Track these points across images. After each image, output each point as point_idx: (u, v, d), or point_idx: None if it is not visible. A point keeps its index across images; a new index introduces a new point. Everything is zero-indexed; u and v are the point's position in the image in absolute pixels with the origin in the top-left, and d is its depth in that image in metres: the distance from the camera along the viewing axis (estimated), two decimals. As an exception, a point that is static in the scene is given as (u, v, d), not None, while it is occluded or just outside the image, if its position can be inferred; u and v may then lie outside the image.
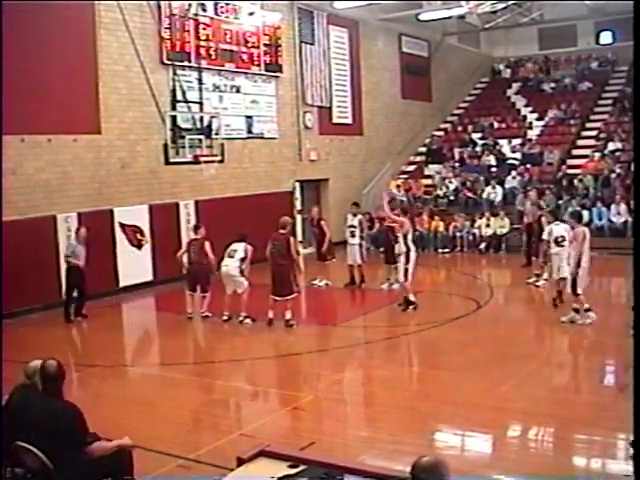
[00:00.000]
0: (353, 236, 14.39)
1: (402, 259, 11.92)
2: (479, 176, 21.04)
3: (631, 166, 18.84)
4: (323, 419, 7.74)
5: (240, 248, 11.62)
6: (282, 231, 11.39)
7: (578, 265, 10.62)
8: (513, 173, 20.64)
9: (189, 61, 16.18)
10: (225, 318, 11.70)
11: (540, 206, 15.91)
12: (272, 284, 11.28)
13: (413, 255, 11.86)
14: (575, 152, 21.94)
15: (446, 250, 19.24)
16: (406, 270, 11.86)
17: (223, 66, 17.09)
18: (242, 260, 11.63)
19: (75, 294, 12.49)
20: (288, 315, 11.22)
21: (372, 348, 10.27)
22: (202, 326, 12.08)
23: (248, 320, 11.52)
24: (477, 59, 28.22)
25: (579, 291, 10.67)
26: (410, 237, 11.98)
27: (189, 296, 12.23)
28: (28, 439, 4.88)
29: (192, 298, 12.21)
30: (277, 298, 11.26)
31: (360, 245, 14.40)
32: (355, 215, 14.60)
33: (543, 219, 14.27)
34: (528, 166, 20.88)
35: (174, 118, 15.14)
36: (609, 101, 24.01)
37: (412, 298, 12.02)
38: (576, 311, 10.71)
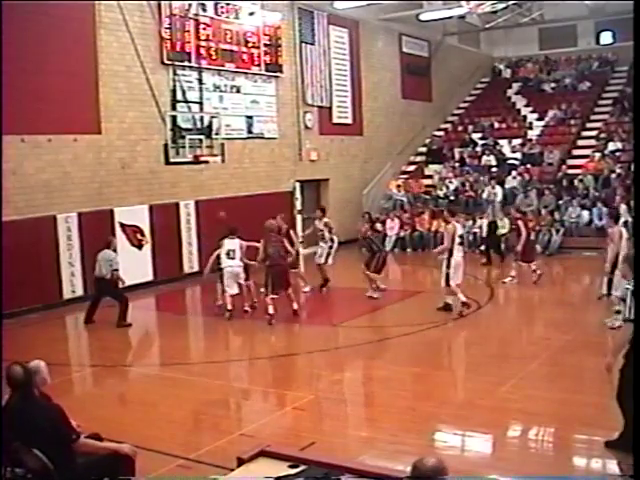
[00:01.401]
0: (323, 238, 14.59)
1: (444, 263, 11.81)
2: (479, 176, 21.05)
3: (631, 166, 18.83)
4: (323, 419, 7.74)
5: (236, 247, 11.80)
6: (273, 234, 11.87)
7: (614, 266, 10.30)
8: (513, 173, 20.65)
9: (189, 61, 16.19)
10: (227, 316, 11.73)
11: (519, 210, 15.79)
12: (272, 284, 11.51)
13: (454, 260, 11.68)
14: (575, 152, 21.95)
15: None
16: (447, 274, 11.74)
17: (223, 66, 17.09)
18: (241, 258, 11.93)
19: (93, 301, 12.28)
20: (295, 305, 11.83)
21: (372, 348, 10.27)
22: (202, 326, 12.08)
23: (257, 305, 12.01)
24: (477, 59, 28.22)
25: (616, 293, 10.25)
26: (457, 240, 11.78)
27: (229, 297, 12.06)
28: (24, 441, 4.88)
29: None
30: (276, 295, 11.54)
31: (330, 247, 14.51)
32: (321, 219, 14.69)
33: (520, 222, 14.28)
34: (528, 166, 20.89)
35: (174, 118, 15.14)
36: (609, 101, 24.01)
37: (450, 301, 11.87)
38: (617, 312, 10.49)
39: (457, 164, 22.30)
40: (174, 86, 15.79)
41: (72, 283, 13.69)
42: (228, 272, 11.84)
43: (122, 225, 14.73)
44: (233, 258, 11.84)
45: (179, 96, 15.85)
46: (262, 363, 9.81)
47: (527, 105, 25.14)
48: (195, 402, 8.21)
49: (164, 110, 15.35)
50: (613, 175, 19.28)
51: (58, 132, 13.58)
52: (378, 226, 20.22)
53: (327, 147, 20.76)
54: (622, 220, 14.87)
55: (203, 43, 16.48)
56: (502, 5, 23.72)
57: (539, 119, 23.94)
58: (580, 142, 22.45)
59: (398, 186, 21.72)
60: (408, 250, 19.63)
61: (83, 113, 14.07)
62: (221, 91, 17.19)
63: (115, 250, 12.21)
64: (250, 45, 17.74)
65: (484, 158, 22.02)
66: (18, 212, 12.82)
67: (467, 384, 8.18)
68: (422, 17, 23.05)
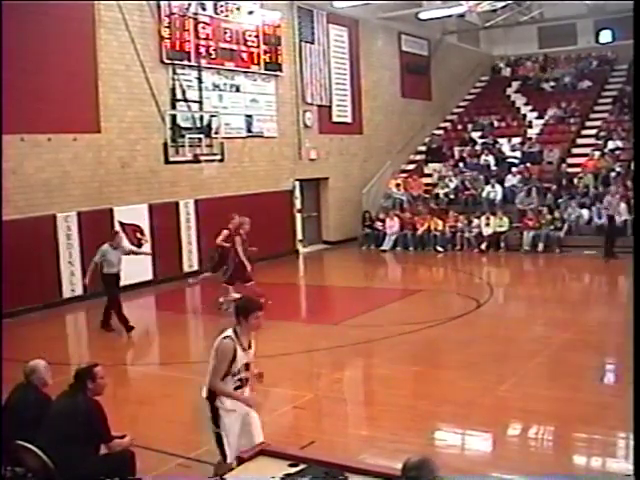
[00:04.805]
0: None
1: None
2: (479, 175, 21.05)
3: (631, 165, 18.84)
4: (323, 418, 7.74)
5: None
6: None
7: None
8: (513, 170, 20.62)
9: (189, 60, 16.18)
10: None
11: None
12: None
13: None
14: (575, 151, 21.94)
15: (439, 249, 19.17)
16: None
17: (223, 65, 17.09)
18: None
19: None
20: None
21: (372, 347, 10.27)
22: (202, 325, 12.08)
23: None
24: (477, 58, 28.21)
25: None
26: None
27: None
28: (27, 438, 4.91)
29: None
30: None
31: None
32: None
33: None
34: (528, 165, 20.88)
35: (174, 117, 15.13)
36: (609, 100, 24.00)
37: None
38: None
39: (457, 163, 22.28)
40: (173, 85, 15.78)
41: (72, 282, 13.70)
42: None
43: (122, 224, 14.71)
44: None
45: (179, 95, 15.83)
46: (262, 362, 9.74)
47: (527, 104, 25.12)
48: (195, 401, 8.19)
49: (164, 109, 15.34)
50: (613, 174, 19.27)
51: (58, 131, 13.57)
52: (378, 224, 20.27)
53: (327, 146, 20.75)
54: None
55: (202, 42, 16.47)
56: (501, 4, 23.72)
57: (539, 118, 23.92)
58: (580, 140, 22.44)
59: (397, 185, 21.70)
60: (410, 249, 19.62)
61: (83, 112, 14.06)
62: (221, 90, 17.18)
63: (115, 245, 11.65)
64: (249, 44, 17.74)
65: (483, 157, 22.02)
66: (18, 211, 12.82)
67: (467, 383, 8.18)
68: (421, 16, 23.04)
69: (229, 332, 5.18)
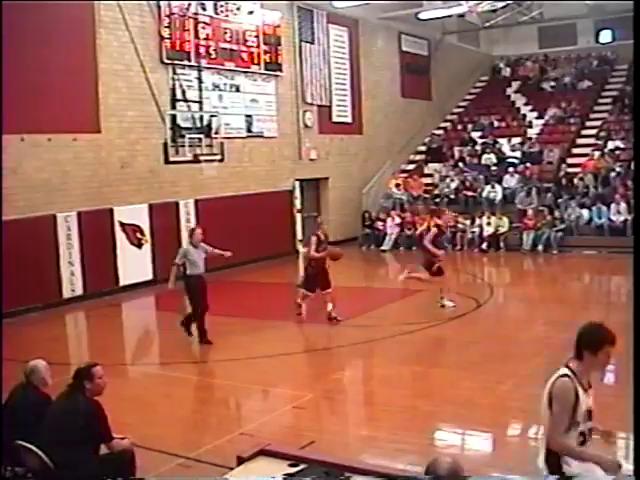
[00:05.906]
0: None
1: None
2: (479, 175, 21.05)
3: (631, 164, 18.84)
4: (323, 418, 7.74)
5: None
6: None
7: None
8: (510, 170, 20.61)
9: (189, 60, 16.18)
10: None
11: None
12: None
13: None
14: (575, 151, 21.94)
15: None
16: None
17: (223, 65, 17.10)
18: None
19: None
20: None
21: (372, 347, 10.27)
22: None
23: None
24: (477, 58, 28.22)
25: None
26: None
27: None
28: (27, 438, 4.91)
29: None
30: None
31: None
32: None
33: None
34: (528, 165, 20.88)
35: (174, 117, 15.12)
36: (609, 100, 24.00)
37: None
38: None
39: (457, 163, 22.28)
40: (173, 85, 15.77)
41: (72, 282, 13.69)
42: None
43: (122, 224, 14.73)
44: None
45: (179, 95, 15.81)
46: (262, 361, 9.80)
47: (527, 104, 25.12)
48: (195, 401, 8.21)
49: (164, 109, 15.34)
50: (613, 174, 19.27)
51: (58, 131, 13.57)
52: (379, 224, 20.27)
53: (327, 146, 20.75)
54: None
55: (202, 42, 16.48)
56: (501, 4, 23.70)
57: (539, 118, 23.92)
58: (580, 140, 22.44)
59: (397, 185, 21.70)
60: (414, 248, 19.60)
61: (83, 112, 14.06)
62: (220, 90, 17.18)
63: (196, 243, 10.85)
64: (249, 44, 17.74)
65: (484, 157, 22.02)
66: (18, 211, 12.81)
67: (467, 383, 8.17)
68: (421, 16, 23.03)
69: (564, 370, 4.12)
